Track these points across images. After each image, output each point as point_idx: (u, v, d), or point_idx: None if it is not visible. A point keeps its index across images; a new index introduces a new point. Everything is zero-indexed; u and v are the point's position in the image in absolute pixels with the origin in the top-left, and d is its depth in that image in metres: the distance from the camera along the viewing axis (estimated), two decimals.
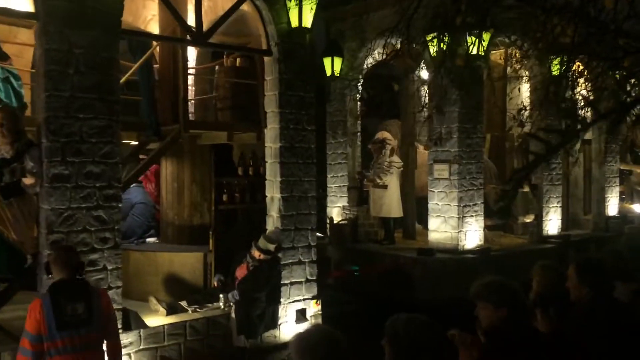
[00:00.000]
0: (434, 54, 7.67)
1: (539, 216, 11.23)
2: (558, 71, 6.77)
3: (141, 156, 7.40)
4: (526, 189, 9.95)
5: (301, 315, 7.09)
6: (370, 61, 11.72)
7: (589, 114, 6.94)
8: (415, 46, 7.36)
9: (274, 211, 7.06)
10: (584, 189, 13.20)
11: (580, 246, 11.15)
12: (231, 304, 6.47)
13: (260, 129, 7.24)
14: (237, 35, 8.04)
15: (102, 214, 5.55)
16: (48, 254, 5.24)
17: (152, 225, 8.08)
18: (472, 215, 9.77)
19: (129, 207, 7.84)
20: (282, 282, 6.93)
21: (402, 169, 10.84)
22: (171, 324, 6.09)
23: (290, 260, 7.06)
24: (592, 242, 11.59)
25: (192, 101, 8.82)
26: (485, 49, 7.81)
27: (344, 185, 11.80)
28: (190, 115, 8.37)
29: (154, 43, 7.26)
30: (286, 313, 6.95)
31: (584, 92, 6.75)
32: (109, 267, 5.58)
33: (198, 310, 6.47)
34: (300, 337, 2.41)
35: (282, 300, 6.90)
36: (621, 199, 14.07)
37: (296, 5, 6.81)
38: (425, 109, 9.16)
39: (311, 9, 6.73)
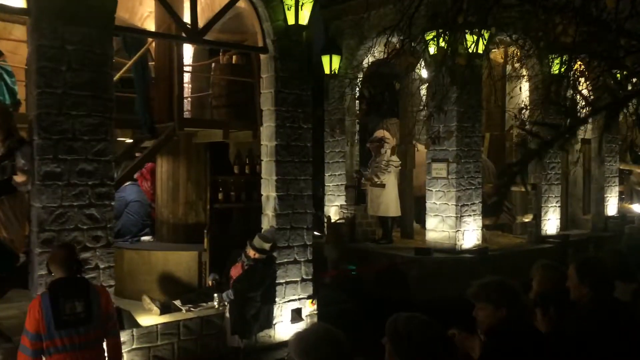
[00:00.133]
0: (436, 52, 7.62)
1: (537, 216, 11.17)
2: (559, 70, 6.72)
3: (137, 154, 7.36)
4: (523, 189, 9.88)
5: (297, 314, 7.04)
6: (369, 59, 11.65)
7: (588, 113, 6.90)
8: (414, 45, 7.32)
9: (270, 210, 7.01)
10: (584, 188, 13.15)
11: (579, 246, 11.09)
12: (225, 303, 6.42)
13: (256, 127, 7.19)
14: (234, 32, 7.99)
15: (95, 212, 5.50)
16: (39, 252, 5.22)
17: (147, 224, 8.02)
18: (470, 215, 9.71)
19: (123, 205, 7.80)
20: (277, 281, 6.88)
21: (400, 168, 10.79)
22: (164, 323, 6.04)
23: (286, 260, 7.01)
24: (591, 242, 11.53)
25: (189, 99, 8.77)
26: (485, 47, 7.74)
27: (341, 184, 11.73)
28: (187, 113, 8.33)
29: (150, 40, 7.20)
30: (281, 313, 6.90)
31: (584, 92, 6.71)
32: (102, 266, 5.53)
33: (192, 309, 6.42)
34: (300, 336, 2.37)
35: (277, 299, 6.85)
36: (621, 199, 14.02)
37: (292, 2, 6.75)
38: (425, 108, 9.10)
39: (302, 4, 6.64)
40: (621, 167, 13.85)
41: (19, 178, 5.16)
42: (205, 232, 7.02)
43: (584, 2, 5.16)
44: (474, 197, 9.81)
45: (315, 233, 11.19)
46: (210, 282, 6.81)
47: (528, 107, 9.25)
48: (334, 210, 11.58)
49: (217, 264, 6.93)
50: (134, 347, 5.73)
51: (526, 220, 11.30)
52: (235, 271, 6.67)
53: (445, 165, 9.60)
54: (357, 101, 11.68)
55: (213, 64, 8.40)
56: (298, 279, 7.12)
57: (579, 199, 13.11)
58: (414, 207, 11.28)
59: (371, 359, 2.62)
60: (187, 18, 6.85)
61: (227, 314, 6.36)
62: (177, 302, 6.47)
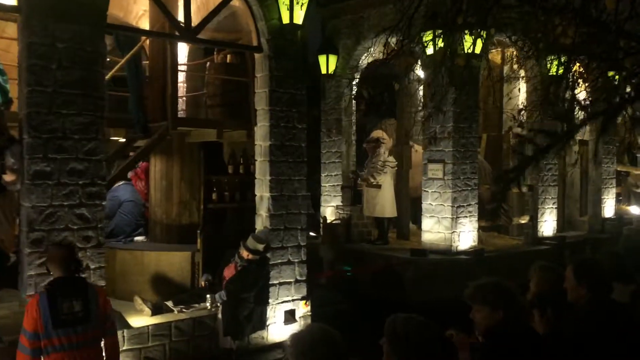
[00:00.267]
0: (435, 52, 7.60)
1: (534, 217, 11.13)
2: (556, 72, 6.68)
3: (132, 154, 7.30)
4: (518, 190, 9.85)
5: (290, 316, 6.99)
6: (367, 59, 11.60)
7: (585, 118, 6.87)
8: (413, 46, 7.29)
9: (263, 210, 6.96)
10: (581, 190, 13.11)
11: (576, 248, 11.06)
12: (218, 304, 6.37)
13: (251, 126, 7.13)
14: (229, 31, 7.94)
15: (85, 212, 5.45)
16: (29, 252, 5.16)
17: (141, 224, 7.96)
18: (466, 216, 9.67)
19: (117, 205, 7.74)
20: (270, 282, 6.83)
21: (396, 168, 10.74)
22: (156, 324, 5.98)
23: (280, 261, 6.96)
24: (588, 243, 11.50)
25: (184, 98, 8.71)
26: (482, 48, 7.70)
27: (338, 185, 11.69)
28: (181, 112, 8.27)
29: (143, 38, 7.15)
30: (275, 314, 6.85)
31: (582, 94, 6.68)
32: (92, 267, 5.48)
33: (184, 310, 6.36)
34: (296, 337, 2.37)
35: (270, 300, 6.80)
36: (618, 201, 13.98)
37: (288, 1, 6.70)
38: (424, 108, 9.06)
39: (301, 4, 6.60)
40: (619, 169, 13.82)
41: (8, 177, 5.11)
42: (198, 233, 6.97)
43: (584, 3, 5.13)
44: (470, 198, 9.76)
45: (311, 234, 11.19)
46: (203, 283, 6.75)
47: (527, 109, 9.21)
48: (330, 210, 11.54)
49: (210, 265, 6.87)
50: (124, 348, 5.65)
51: (523, 221, 11.26)
52: (229, 272, 6.62)
53: (442, 166, 9.56)
54: (354, 101, 11.64)
55: (208, 63, 8.34)
56: (292, 280, 7.06)
57: (576, 201, 13.08)
58: (411, 208, 11.24)
59: None
60: (182, 17, 6.80)
61: (220, 315, 6.31)
62: (169, 303, 6.41)
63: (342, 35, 11.46)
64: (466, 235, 9.67)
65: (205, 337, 6.27)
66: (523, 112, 9.54)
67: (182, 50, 8.63)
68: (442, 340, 2.47)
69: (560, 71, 6.84)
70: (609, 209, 12.96)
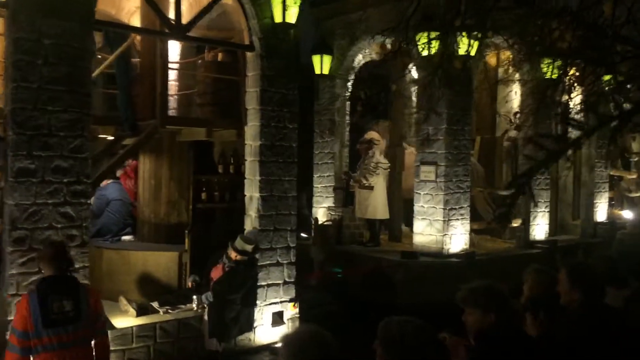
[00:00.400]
0: (431, 54, 7.58)
1: (526, 221, 11.09)
2: (554, 75, 6.67)
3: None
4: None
5: (278, 318, 6.93)
6: (360, 59, 11.55)
7: (582, 119, 6.86)
8: (411, 47, 7.25)
9: (253, 211, 6.89)
10: (574, 194, 13.09)
11: (568, 252, 11.01)
12: (204, 305, 6.29)
13: (241, 126, 7.06)
14: (220, 29, 7.85)
15: (70, 211, 5.37)
16: (11, 251, 5.07)
17: (129, 223, 7.87)
18: (457, 219, 9.62)
19: (104, 203, 7.66)
20: (259, 283, 6.77)
21: (389, 170, 10.68)
22: (140, 325, 5.91)
23: (268, 262, 6.89)
24: (580, 248, 11.46)
25: (175, 97, 8.62)
26: (478, 50, 7.66)
27: (330, 186, 11.61)
28: (173, 111, 8.18)
29: (133, 35, 7.06)
30: (262, 316, 6.78)
31: (579, 98, 6.66)
32: (76, 266, 5.35)
33: (170, 311, 6.28)
34: (288, 339, 2.35)
35: (258, 302, 6.74)
36: (611, 205, 13.96)
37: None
38: (420, 110, 9.03)
39: (294, 1, 6.53)
40: (612, 173, 13.80)
41: None
42: (186, 232, 6.90)
43: (581, 7, 5.12)
44: (462, 200, 9.71)
45: (303, 235, 11.12)
46: (190, 284, 6.67)
47: (523, 112, 9.18)
48: (321, 211, 11.47)
49: (198, 265, 6.80)
50: None
51: (515, 225, 11.21)
52: (216, 273, 6.54)
53: (434, 168, 9.50)
54: (347, 102, 11.57)
55: (199, 61, 8.26)
56: (280, 282, 7.00)
57: (568, 205, 13.05)
58: (403, 209, 11.18)
59: None
60: (173, 14, 6.73)
61: (206, 317, 6.24)
62: (155, 304, 6.34)
63: (337, 36, 11.39)
64: (458, 238, 9.62)
65: (190, 338, 6.20)
66: (519, 115, 9.52)
67: (175, 48, 8.54)
68: (436, 343, 2.48)
69: (555, 75, 6.83)
70: (601, 213, 12.94)
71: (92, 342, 3.93)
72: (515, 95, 11.21)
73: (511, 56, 8.80)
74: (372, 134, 11.06)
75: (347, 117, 11.83)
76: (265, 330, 6.77)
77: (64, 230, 5.32)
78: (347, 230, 10.94)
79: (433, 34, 7.17)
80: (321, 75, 11.17)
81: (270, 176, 6.89)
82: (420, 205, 9.72)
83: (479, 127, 12.20)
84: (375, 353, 2.44)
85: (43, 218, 5.22)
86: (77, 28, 5.37)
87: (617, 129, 5.02)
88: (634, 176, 14.78)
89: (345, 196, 11.66)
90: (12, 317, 4.82)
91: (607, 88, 5.88)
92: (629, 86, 5.93)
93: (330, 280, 9.63)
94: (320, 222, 10.87)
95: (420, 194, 9.73)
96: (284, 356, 2.27)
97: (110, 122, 7.15)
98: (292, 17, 6.72)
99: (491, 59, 11.32)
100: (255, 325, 6.66)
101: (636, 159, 15.01)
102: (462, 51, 6.98)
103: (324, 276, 9.71)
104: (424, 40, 7.15)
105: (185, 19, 6.58)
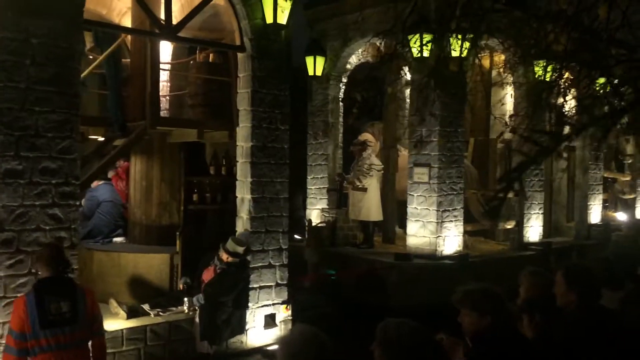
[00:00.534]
0: (426, 56, 7.58)
1: (520, 223, 11.08)
2: (549, 77, 6.67)
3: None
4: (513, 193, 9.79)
5: (270, 320, 6.89)
6: (354, 61, 11.52)
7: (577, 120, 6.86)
8: (406, 50, 7.24)
9: (244, 212, 6.85)
10: (568, 196, 13.08)
11: (562, 254, 11.02)
12: (196, 307, 6.24)
13: (233, 127, 7.02)
14: (212, 30, 7.82)
15: (58, 212, 5.31)
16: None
17: (120, 225, 7.81)
18: (451, 221, 9.59)
19: (95, 205, 7.60)
20: (250, 286, 6.73)
21: (382, 171, 10.65)
22: (130, 328, 5.86)
23: (260, 264, 6.85)
24: (574, 249, 11.47)
25: (167, 97, 8.58)
26: (470, 52, 7.65)
27: (323, 187, 11.57)
28: (165, 112, 8.14)
29: (122, 36, 7.02)
30: (254, 318, 6.74)
31: (573, 100, 6.67)
32: None
33: (160, 314, 6.23)
34: (285, 341, 2.39)
35: (250, 304, 6.69)
36: (605, 207, 13.97)
37: (271, 0, 6.60)
38: (415, 113, 9.00)
39: (286, 2, 6.50)
40: (606, 175, 13.82)
41: None
42: (178, 234, 6.84)
43: (576, 11, 5.13)
44: (456, 202, 9.69)
45: (296, 236, 11.08)
46: (181, 286, 6.62)
47: (519, 114, 9.16)
48: (315, 213, 11.43)
49: (189, 267, 6.75)
50: None
51: (508, 226, 11.20)
52: (208, 275, 6.49)
53: (427, 169, 9.47)
54: (341, 103, 11.54)
55: (191, 62, 8.21)
56: (272, 284, 6.95)
57: (563, 207, 13.05)
58: (397, 211, 11.14)
59: None
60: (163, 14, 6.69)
61: (197, 319, 6.18)
62: (146, 306, 6.29)
63: (330, 37, 11.36)
64: (451, 240, 9.59)
65: (181, 341, 6.16)
66: (514, 117, 9.50)
67: (167, 49, 8.50)
68: (433, 344, 2.50)
69: (548, 77, 6.83)
70: (595, 215, 12.94)
71: (89, 343, 3.94)
72: (510, 98, 11.20)
73: (504, 58, 8.78)
74: (366, 136, 11.04)
75: (341, 119, 11.80)
76: (257, 333, 6.72)
77: (53, 232, 5.26)
78: (340, 232, 10.89)
79: (428, 37, 7.17)
80: (314, 76, 11.13)
81: (262, 178, 6.86)
82: (414, 207, 9.69)
83: (473, 129, 12.19)
84: (373, 354, 2.45)
85: (31, 220, 5.16)
86: (66, 28, 5.32)
87: (609, 128, 5.03)
88: (628, 178, 14.82)
89: (339, 198, 11.62)
90: None
91: (601, 91, 5.88)
92: (622, 89, 5.94)
93: (324, 282, 9.59)
94: (314, 224, 10.84)
95: (413, 195, 9.70)
96: (280, 357, 2.28)
97: (100, 123, 7.10)
98: (283, 17, 6.69)
99: (485, 62, 11.30)
100: (247, 327, 6.61)
101: (630, 161, 15.05)
102: (456, 53, 6.97)
103: (317, 278, 9.66)
104: (419, 42, 7.15)
105: (177, 20, 6.54)
